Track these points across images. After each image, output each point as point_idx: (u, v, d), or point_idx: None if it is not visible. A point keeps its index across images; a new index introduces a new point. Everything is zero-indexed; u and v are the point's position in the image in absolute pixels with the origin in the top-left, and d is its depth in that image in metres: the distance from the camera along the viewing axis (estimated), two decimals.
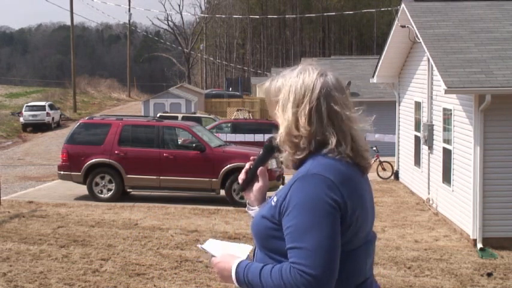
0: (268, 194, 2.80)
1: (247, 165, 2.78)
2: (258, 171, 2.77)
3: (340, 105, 2.56)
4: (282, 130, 2.57)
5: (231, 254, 2.61)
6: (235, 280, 2.53)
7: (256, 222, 2.59)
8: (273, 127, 2.73)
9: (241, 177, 2.78)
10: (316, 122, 2.52)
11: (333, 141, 2.52)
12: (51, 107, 43.12)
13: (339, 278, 2.41)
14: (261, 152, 2.78)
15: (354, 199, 2.48)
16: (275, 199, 2.54)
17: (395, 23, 16.83)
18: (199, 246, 2.75)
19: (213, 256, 2.66)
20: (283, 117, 2.58)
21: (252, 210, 2.82)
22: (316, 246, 2.35)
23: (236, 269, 2.52)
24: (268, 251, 2.53)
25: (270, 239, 2.52)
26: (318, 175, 2.45)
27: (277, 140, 2.60)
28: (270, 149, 2.75)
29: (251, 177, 2.77)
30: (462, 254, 11.49)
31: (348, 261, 2.47)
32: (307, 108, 2.54)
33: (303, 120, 2.53)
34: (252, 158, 2.79)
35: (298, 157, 2.55)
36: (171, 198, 16.25)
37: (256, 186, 2.78)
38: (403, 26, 16.29)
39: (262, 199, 2.78)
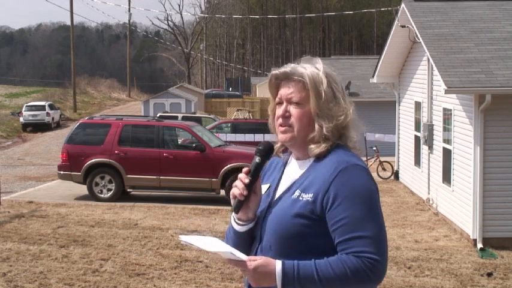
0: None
1: (245, 180, 2.56)
2: (256, 184, 2.60)
3: None
4: (335, 121, 2.54)
5: (262, 257, 2.44)
6: (282, 281, 2.39)
7: (285, 222, 2.49)
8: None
9: (244, 193, 2.56)
10: (355, 116, 2.61)
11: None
12: (51, 107, 43.10)
13: None
14: (256, 160, 2.61)
15: None
16: (307, 194, 2.48)
17: (395, 23, 16.83)
18: (208, 250, 2.48)
19: (239, 260, 2.43)
20: (334, 109, 2.55)
21: (242, 225, 2.63)
22: (377, 233, 2.41)
23: (283, 270, 2.39)
24: (295, 251, 2.46)
25: (303, 238, 2.47)
26: (360, 166, 2.50)
27: (324, 131, 2.53)
28: (266, 155, 2.63)
29: (249, 192, 2.57)
30: (462, 254, 11.48)
31: None
32: (350, 101, 2.60)
33: (351, 111, 2.58)
34: (245, 170, 2.59)
35: (328, 148, 2.55)
36: (171, 198, 16.25)
37: (254, 199, 2.61)
38: (403, 26, 16.29)
39: (256, 211, 2.64)
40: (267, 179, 2.72)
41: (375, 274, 2.38)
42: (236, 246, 2.61)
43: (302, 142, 2.57)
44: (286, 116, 2.57)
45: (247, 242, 2.64)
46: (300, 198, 2.49)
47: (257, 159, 2.61)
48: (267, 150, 2.63)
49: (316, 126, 2.54)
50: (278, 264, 2.40)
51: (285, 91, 2.59)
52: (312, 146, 2.54)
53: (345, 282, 2.37)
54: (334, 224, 2.42)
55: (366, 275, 2.37)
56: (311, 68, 2.59)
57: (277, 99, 2.63)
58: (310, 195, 2.47)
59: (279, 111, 2.60)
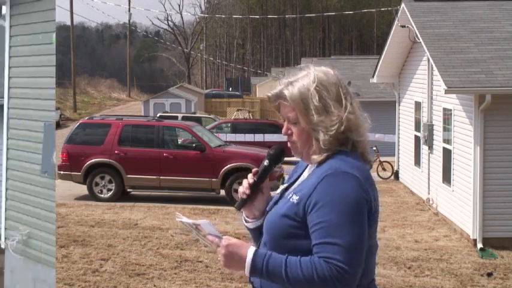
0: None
1: (250, 180, 2.70)
2: (263, 184, 2.72)
3: None
4: (329, 132, 2.54)
5: (238, 239, 2.54)
6: (250, 268, 2.46)
7: (275, 221, 2.56)
8: (273, 127, 2.72)
9: (246, 192, 2.69)
10: (356, 117, 2.61)
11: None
12: None
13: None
14: (265, 163, 2.71)
15: (374, 197, 2.54)
16: (296, 197, 2.52)
17: (395, 23, 16.84)
18: (189, 222, 2.57)
19: (217, 236, 2.53)
20: (326, 120, 2.54)
21: (250, 223, 2.76)
22: (351, 243, 2.39)
23: (254, 257, 2.45)
24: (284, 251, 2.50)
25: (290, 238, 2.51)
26: (347, 173, 2.48)
27: (321, 144, 2.54)
28: (276, 159, 2.72)
29: (254, 192, 2.70)
30: (462, 254, 11.49)
31: (366, 259, 2.50)
32: (346, 104, 2.58)
33: (345, 116, 2.56)
34: (254, 170, 2.72)
35: (327, 154, 2.55)
36: (171, 198, 16.25)
37: (261, 198, 2.73)
38: (403, 26, 16.29)
39: (264, 209, 2.74)
40: (290, 179, 2.80)
41: (341, 283, 2.36)
42: (252, 241, 2.75)
43: (307, 154, 2.64)
44: (288, 133, 2.66)
45: (259, 238, 2.73)
46: (291, 199, 2.55)
47: (266, 162, 2.72)
48: (277, 155, 2.73)
49: (314, 140, 2.58)
50: (250, 251, 2.47)
51: (282, 111, 2.67)
52: (314, 156, 2.59)
53: (311, 284, 2.38)
54: (312, 226, 2.44)
55: (331, 282, 2.36)
56: (301, 81, 2.59)
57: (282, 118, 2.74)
58: (297, 197, 2.52)
59: (283, 129, 2.71)
